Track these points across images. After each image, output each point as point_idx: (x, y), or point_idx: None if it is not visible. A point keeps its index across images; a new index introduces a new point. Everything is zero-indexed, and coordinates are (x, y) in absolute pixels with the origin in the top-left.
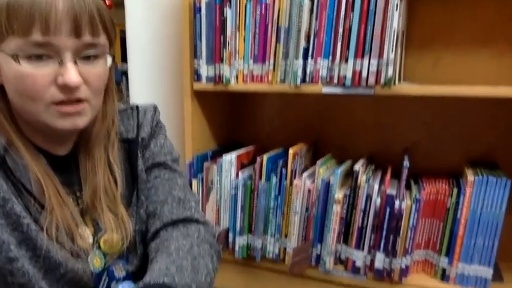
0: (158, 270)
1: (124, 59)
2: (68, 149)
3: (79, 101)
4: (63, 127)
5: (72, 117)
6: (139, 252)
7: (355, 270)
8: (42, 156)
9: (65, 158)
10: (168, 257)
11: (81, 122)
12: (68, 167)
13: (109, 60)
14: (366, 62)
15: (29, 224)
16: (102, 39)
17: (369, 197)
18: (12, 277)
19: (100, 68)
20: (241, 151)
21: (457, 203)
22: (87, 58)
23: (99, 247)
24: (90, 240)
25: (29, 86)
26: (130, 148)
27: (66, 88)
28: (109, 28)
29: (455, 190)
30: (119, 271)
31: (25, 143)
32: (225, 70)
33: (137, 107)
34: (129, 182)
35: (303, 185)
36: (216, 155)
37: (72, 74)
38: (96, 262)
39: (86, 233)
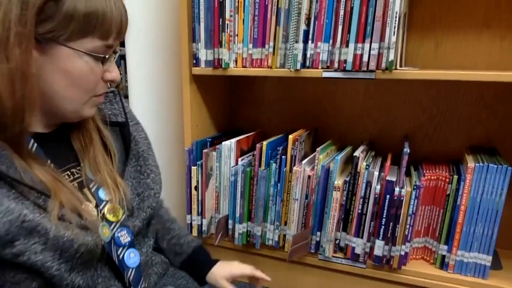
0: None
1: (122, 43)
2: (53, 128)
3: None
4: (89, 114)
5: (97, 106)
6: (144, 215)
7: (355, 257)
8: (28, 139)
9: (52, 135)
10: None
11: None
12: (57, 143)
13: None
14: (367, 45)
15: (27, 214)
16: None
17: (368, 184)
18: (27, 266)
19: None
20: (241, 137)
21: (457, 189)
22: None
23: (104, 217)
24: (95, 212)
25: (91, 80)
26: (122, 131)
27: (109, 82)
28: None
29: (455, 177)
30: (124, 238)
31: None
32: (224, 54)
33: (118, 92)
34: (123, 158)
35: (302, 171)
36: (216, 141)
37: (117, 71)
38: (105, 232)
39: (90, 207)
